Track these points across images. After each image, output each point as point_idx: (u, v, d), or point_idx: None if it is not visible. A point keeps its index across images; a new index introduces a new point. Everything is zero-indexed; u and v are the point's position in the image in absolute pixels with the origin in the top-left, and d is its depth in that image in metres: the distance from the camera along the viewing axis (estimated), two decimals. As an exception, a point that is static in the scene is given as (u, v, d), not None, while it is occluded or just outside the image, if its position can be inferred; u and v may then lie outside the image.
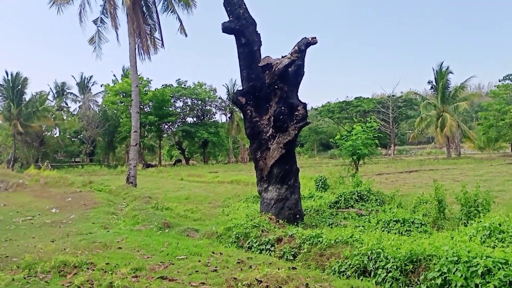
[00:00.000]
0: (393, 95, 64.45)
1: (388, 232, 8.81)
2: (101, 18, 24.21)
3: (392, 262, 5.53)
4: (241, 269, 5.94)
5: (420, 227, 8.97)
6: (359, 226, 9.49)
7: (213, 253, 6.96)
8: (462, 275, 4.76)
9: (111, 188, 20.22)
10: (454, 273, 4.84)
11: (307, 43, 9.41)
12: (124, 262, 6.31)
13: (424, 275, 5.16)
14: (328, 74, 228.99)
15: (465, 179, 21.41)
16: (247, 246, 8.04)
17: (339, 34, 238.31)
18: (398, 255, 5.56)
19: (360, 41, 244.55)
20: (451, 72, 49.96)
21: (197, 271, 5.89)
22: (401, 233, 8.74)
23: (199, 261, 6.40)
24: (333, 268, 6.20)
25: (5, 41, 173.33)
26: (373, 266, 5.74)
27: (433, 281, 4.97)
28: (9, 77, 50.83)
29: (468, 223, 9.12)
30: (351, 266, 6.01)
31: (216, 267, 6.06)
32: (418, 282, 5.20)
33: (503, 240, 6.44)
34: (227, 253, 6.94)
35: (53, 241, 8.50)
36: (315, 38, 9.27)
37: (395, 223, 9.13)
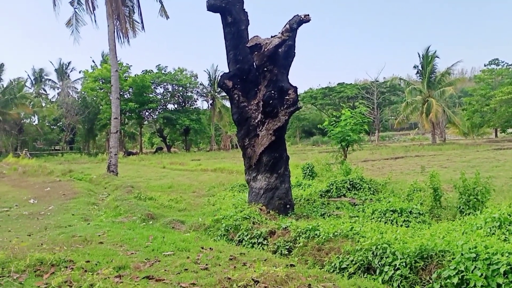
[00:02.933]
0: (377, 81, 64.31)
1: (385, 222, 8.42)
2: (78, -1, 23.01)
3: (400, 259, 5.05)
4: (235, 267, 5.40)
5: (419, 217, 8.57)
6: (354, 217, 9.06)
7: (203, 248, 6.39)
8: (482, 274, 4.31)
9: (91, 177, 19.42)
10: (472, 272, 4.39)
11: (299, 21, 8.78)
12: (106, 260, 5.70)
13: (437, 273, 4.70)
14: (310, 59, 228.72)
15: (453, 166, 21.29)
16: (238, 239, 7.50)
17: (319, 15, 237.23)
18: (407, 250, 5.09)
19: (342, 24, 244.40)
20: (437, 57, 49.87)
21: (186, 269, 5.33)
22: (399, 223, 8.34)
23: (188, 257, 5.83)
24: (333, 265, 5.71)
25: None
26: (379, 263, 5.26)
27: (448, 280, 4.51)
28: (-16, 64, 48.89)
29: (467, 212, 8.80)
30: (353, 262, 5.52)
31: (206, 264, 5.50)
32: (431, 281, 4.74)
33: (514, 232, 6.04)
34: (218, 248, 6.39)
35: (29, 235, 7.86)
36: (308, 15, 8.65)
37: (392, 213, 8.70)
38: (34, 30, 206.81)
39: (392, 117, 79.43)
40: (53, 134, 63.98)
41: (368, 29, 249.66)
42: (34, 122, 61.81)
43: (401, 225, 8.16)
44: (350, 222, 7.48)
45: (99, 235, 7.25)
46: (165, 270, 5.28)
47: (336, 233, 6.34)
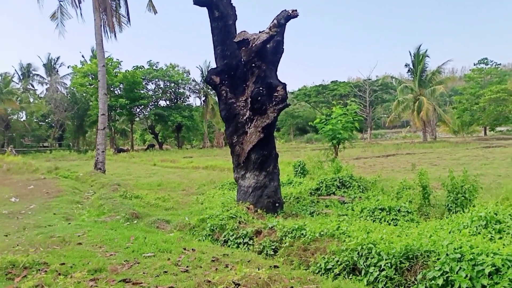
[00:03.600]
0: (369, 79, 64.37)
1: (374, 221, 8.32)
2: (64, -9, 22.57)
3: (386, 259, 4.93)
4: (216, 269, 5.23)
5: (407, 215, 8.48)
6: (342, 215, 8.96)
7: (185, 249, 6.21)
8: (466, 275, 4.19)
9: (78, 175, 19.11)
10: (457, 273, 4.27)
11: (287, 16, 8.62)
12: (82, 262, 5.50)
13: (422, 274, 4.59)
14: (304, 57, 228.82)
15: (443, 163, 21.31)
16: (223, 239, 7.34)
17: (313, 12, 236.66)
18: (392, 251, 4.96)
19: (336, 22, 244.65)
20: (427, 56, 50.06)
21: (165, 271, 5.14)
22: (387, 222, 8.25)
23: (169, 259, 5.65)
24: (318, 265, 5.57)
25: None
26: (364, 264, 5.13)
27: (433, 281, 4.40)
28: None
29: (454, 210, 8.73)
30: (339, 263, 5.39)
31: (187, 266, 5.32)
32: (416, 282, 4.62)
33: (500, 231, 5.94)
34: (200, 249, 6.21)
35: (6, 235, 7.63)
36: (295, 11, 8.48)
37: (380, 211, 8.61)
38: (22, 24, 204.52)
39: (385, 115, 79.62)
40: (41, 131, 63.13)
41: (361, 27, 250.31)
42: (21, 118, 60.90)
43: (389, 224, 8.07)
44: (338, 221, 7.35)
45: (79, 236, 7.04)
46: (143, 273, 5.09)
47: (322, 233, 6.21)
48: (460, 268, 4.31)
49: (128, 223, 8.86)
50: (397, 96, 53.32)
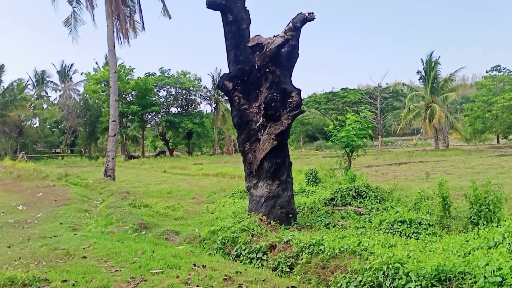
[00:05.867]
0: (380, 86, 63.73)
1: (393, 234, 7.88)
2: (77, -3, 22.49)
3: (415, 281, 4.49)
4: (229, 288, 4.84)
5: (428, 228, 8.01)
6: (360, 227, 8.52)
7: (195, 265, 5.83)
8: (510, 303, 3.75)
9: (87, 182, 18.87)
10: (498, 299, 3.83)
11: (303, 20, 8.24)
12: (85, 279, 5.15)
13: (456, 298, 4.15)
14: (313, 64, 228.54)
15: (457, 172, 20.78)
16: (235, 253, 6.93)
17: (323, 19, 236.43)
18: (422, 271, 4.52)
19: (345, 28, 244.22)
20: (439, 63, 49.44)
21: (174, 291, 4.78)
22: (408, 235, 7.80)
23: (178, 276, 5.27)
24: (339, 285, 5.14)
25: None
26: (391, 285, 4.69)
27: (470, 307, 3.96)
28: (-17, 64, 48.55)
29: (478, 222, 8.25)
30: (362, 283, 4.95)
31: (197, 285, 4.94)
32: (449, 308, 4.19)
33: (538, 249, 5.45)
34: (212, 266, 5.82)
35: (9, 247, 7.32)
36: (312, 13, 8.10)
37: (400, 224, 8.15)
38: (37, 32, 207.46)
39: (395, 123, 78.82)
40: (53, 137, 63.46)
41: (372, 34, 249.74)
42: (34, 124, 61.39)
43: (410, 237, 7.64)
44: (357, 235, 6.94)
45: (84, 248, 6.70)
46: (150, 292, 4.73)
47: (342, 249, 5.77)
48: (500, 293, 3.88)
49: (136, 234, 8.51)
50: (406, 104, 52.68)
